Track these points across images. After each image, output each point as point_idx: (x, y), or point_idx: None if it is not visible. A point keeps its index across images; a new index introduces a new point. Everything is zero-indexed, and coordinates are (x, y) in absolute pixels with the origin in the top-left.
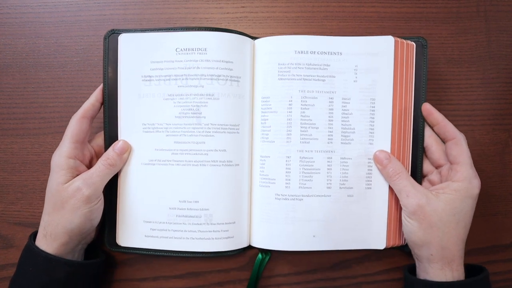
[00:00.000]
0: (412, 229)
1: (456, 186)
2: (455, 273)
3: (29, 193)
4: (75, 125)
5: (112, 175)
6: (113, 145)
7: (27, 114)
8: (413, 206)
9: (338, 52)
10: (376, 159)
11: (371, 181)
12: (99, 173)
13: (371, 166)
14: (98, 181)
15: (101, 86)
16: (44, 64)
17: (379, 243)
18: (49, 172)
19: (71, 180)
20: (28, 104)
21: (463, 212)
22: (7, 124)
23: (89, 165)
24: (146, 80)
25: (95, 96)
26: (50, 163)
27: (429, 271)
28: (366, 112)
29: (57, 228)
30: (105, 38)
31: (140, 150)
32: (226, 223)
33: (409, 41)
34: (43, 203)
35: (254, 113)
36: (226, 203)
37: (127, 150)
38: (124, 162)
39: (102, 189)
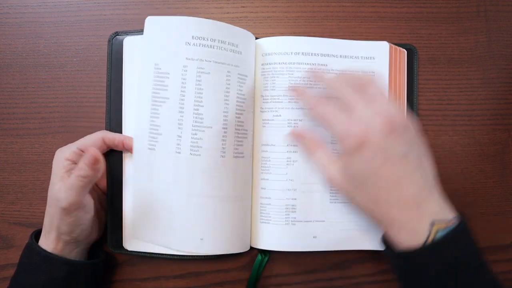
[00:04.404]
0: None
1: (340, 151)
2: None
3: (29, 193)
4: (91, 138)
5: (89, 185)
6: (83, 156)
7: (27, 114)
8: (326, 182)
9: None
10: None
11: None
12: (71, 186)
13: None
14: (73, 194)
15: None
16: (44, 64)
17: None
18: (49, 172)
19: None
20: (28, 104)
21: (361, 172)
22: (7, 124)
23: None
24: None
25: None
26: (50, 163)
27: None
28: None
29: (52, 228)
30: (109, 41)
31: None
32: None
33: (400, 48)
34: (43, 203)
35: (255, 112)
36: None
37: (98, 161)
38: (99, 172)
39: (81, 199)
